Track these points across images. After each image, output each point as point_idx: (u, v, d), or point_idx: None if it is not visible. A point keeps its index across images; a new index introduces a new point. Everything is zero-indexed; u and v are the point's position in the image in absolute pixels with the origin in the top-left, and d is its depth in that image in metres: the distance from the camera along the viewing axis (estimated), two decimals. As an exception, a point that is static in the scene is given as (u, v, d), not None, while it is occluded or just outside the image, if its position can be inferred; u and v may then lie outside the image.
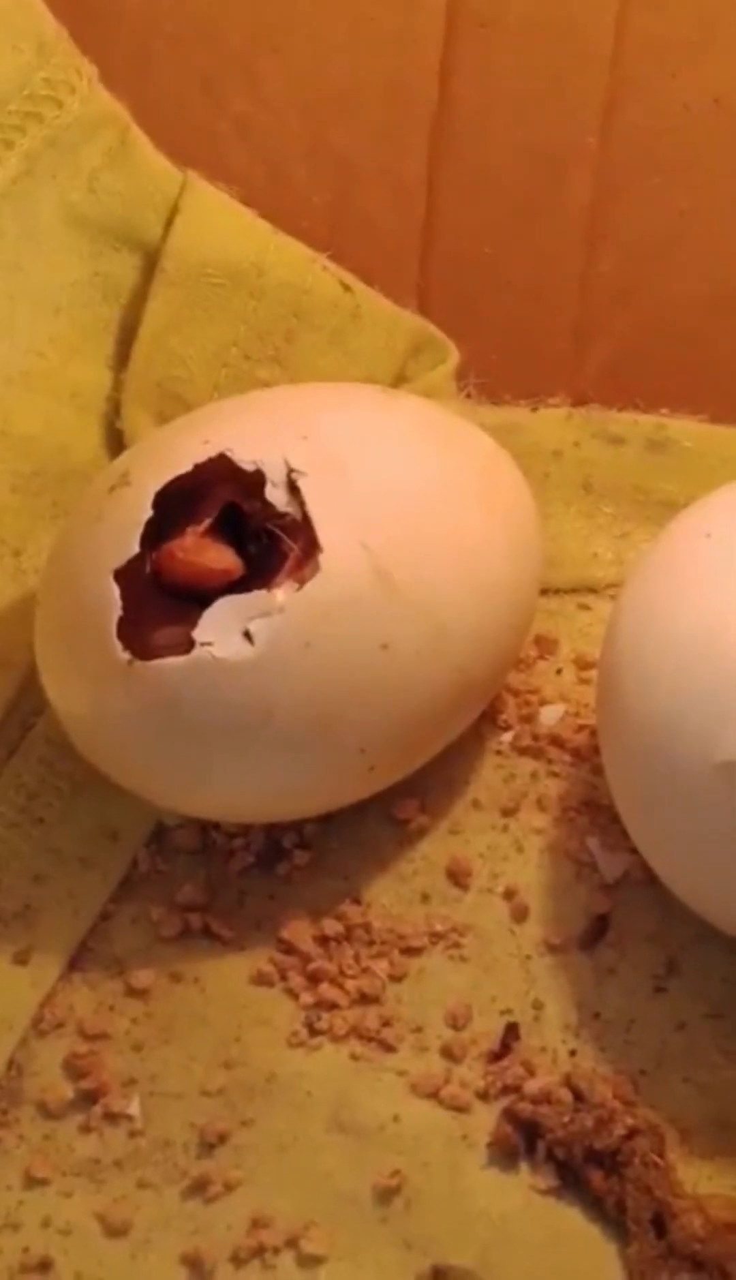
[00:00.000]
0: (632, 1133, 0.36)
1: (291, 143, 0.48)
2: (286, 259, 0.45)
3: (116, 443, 0.45)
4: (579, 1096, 0.37)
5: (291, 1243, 0.37)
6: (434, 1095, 0.38)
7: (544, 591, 0.43)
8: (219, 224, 0.45)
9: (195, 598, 0.38)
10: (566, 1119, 0.37)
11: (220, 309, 0.45)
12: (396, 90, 0.47)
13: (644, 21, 0.46)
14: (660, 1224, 0.35)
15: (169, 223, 0.45)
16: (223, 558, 0.38)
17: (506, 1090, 0.38)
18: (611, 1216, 0.36)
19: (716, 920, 0.39)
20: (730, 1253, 0.35)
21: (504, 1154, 0.37)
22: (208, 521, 0.39)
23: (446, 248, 0.48)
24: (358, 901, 0.41)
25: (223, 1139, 0.38)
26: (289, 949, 0.40)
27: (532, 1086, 0.38)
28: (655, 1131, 0.37)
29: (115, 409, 0.45)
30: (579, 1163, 0.37)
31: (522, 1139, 0.37)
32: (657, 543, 0.40)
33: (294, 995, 0.40)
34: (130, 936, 0.40)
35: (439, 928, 0.40)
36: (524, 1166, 0.37)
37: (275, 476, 0.38)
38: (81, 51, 0.44)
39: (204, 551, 0.38)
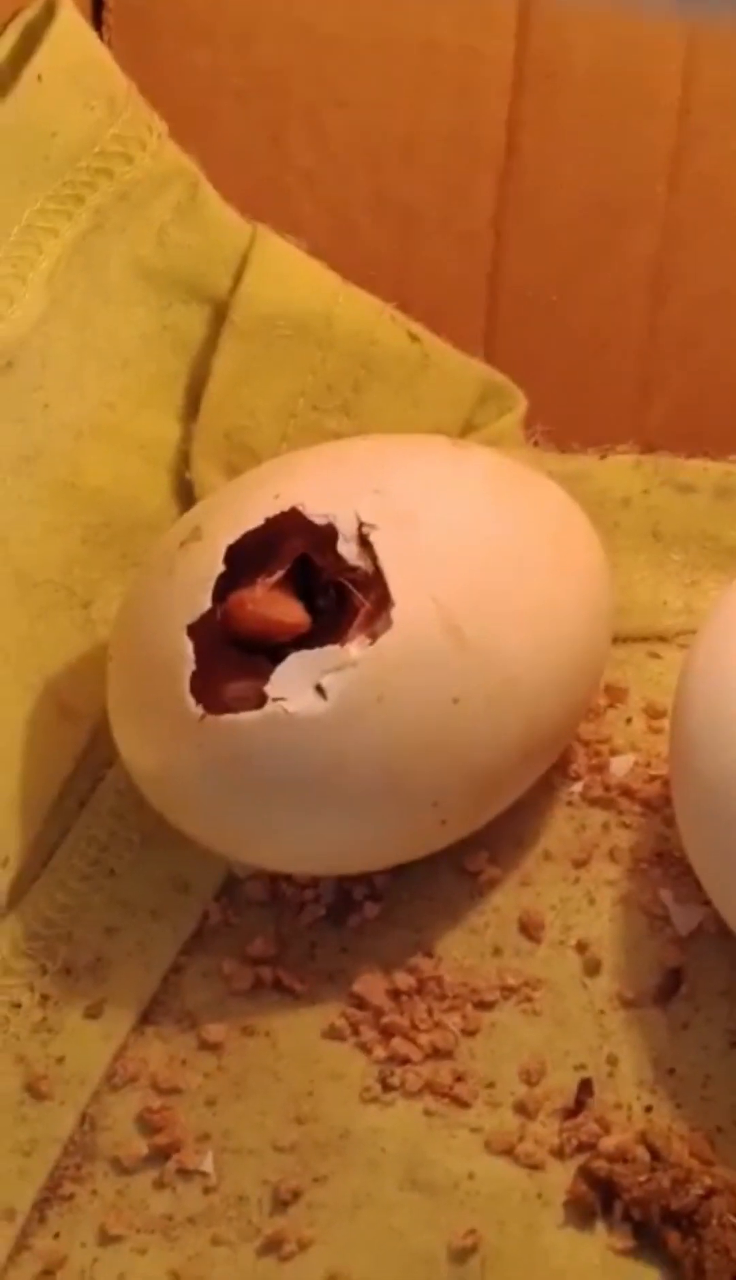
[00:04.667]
0: (710, 1193, 0.36)
1: (357, 194, 0.48)
2: (354, 310, 0.46)
3: (185, 494, 0.45)
4: (655, 1155, 0.37)
5: (367, 1302, 0.37)
6: (509, 1152, 0.38)
7: (613, 640, 0.43)
8: (287, 276, 0.45)
9: (266, 651, 0.38)
10: (643, 1178, 0.37)
11: (289, 360, 0.45)
12: (462, 141, 0.48)
13: (711, 71, 0.46)
14: (740, 1287, 0.35)
15: (238, 275, 0.45)
16: (291, 611, 0.38)
17: (581, 1148, 0.38)
18: (689, 1278, 0.36)
19: (793, 976, 0.38)
20: None
21: (580, 1213, 0.37)
22: (279, 573, 0.39)
23: (513, 296, 0.49)
24: (429, 954, 0.41)
25: (296, 1196, 0.38)
26: (361, 1003, 0.40)
27: (608, 1144, 0.37)
28: (732, 1191, 0.36)
29: (184, 460, 0.45)
30: (656, 1223, 0.36)
31: (599, 1198, 0.37)
32: (729, 591, 0.40)
33: (366, 1050, 0.39)
34: (202, 989, 0.40)
35: (511, 981, 0.40)
36: (600, 1226, 0.37)
37: (346, 530, 0.38)
38: (150, 106, 0.45)
39: (273, 604, 0.39)
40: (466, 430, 0.46)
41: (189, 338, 0.45)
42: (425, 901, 0.41)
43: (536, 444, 0.47)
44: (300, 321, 0.45)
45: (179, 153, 0.45)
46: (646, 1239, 0.37)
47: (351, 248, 0.47)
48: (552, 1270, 0.36)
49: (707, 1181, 0.36)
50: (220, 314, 0.45)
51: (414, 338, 0.46)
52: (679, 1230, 0.36)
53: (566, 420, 0.47)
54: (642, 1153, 0.37)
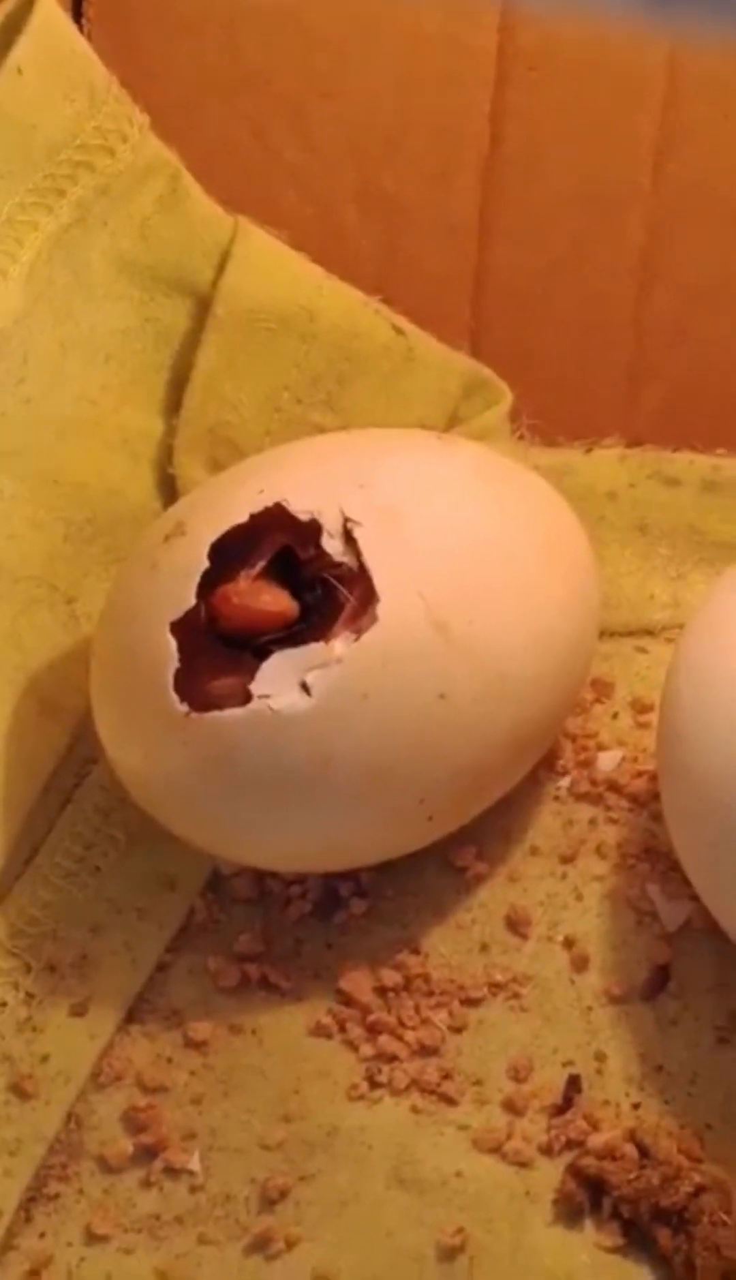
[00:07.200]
0: (699, 1190, 0.36)
1: (342, 187, 0.48)
2: (338, 303, 0.45)
3: (168, 489, 0.45)
4: (644, 1152, 0.37)
5: (355, 1301, 0.36)
6: (496, 1150, 0.38)
7: (599, 634, 0.43)
8: (270, 269, 0.45)
9: (250, 647, 0.38)
10: (632, 1175, 0.36)
11: (272, 353, 0.45)
12: (447, 133, 0.47)
13: (696, 62, 0.46)
14: (729, 1284, 0.35)
15: (220, 268, 0.45)
16: (278, 600, 0.38)
17: (570, 1145, 0.38)
18: (679, 1275, 0.36)
19: (781, 971, 0.38)
20: (801, 1313, 0.34)
21: (569, 1211, 0.37)
22: (260, 565, 0.39)
23: (498, 289, 0.48)
24: (416, 951, 0.40)
25: (283, 1194, 0.38)
26: (348, 1000, 0.40)
27: (597, 1141, 0.37)
28: (722, 1189, 0.36)
29: (167, 455, 0.45)
30: (645, 1220, 0.36)
31: (588, 1195, 0.37)
32: (718, 586, 0.40)
33: (353, 1047, 0.39)
34: (188, 987, 0.40)
35: (499, 978, 0.40)
36: (589, 1223, 0.37)
37: (331, 526, 0.38)
38: (132, 99, 0.44)
39: (258, 595, 0.38)
40: (452, 424, 0.46)
41: (171, 331, 0.45)
42: (412, 898, 0.41)
43: (522, 438, 0.47)
44: (283, 315, 0.45)
45: (160, 145, 0.45)
46: (635, 1237, 0.36)
47: (336, 241, 0.47)
48: (541, 1268, 0.36)
49: (697, 1179, 0.36)
50: (203, 307, 0.45)
51: (398, 331, 0.46)
52: (669, 1228, 0.36)
53: (553, 414, 0.46)
54: (631, 1150, 0.37)
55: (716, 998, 0.39)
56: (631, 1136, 0.37)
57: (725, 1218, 0.36)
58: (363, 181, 0.48)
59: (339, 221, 0.48)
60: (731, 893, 0.38)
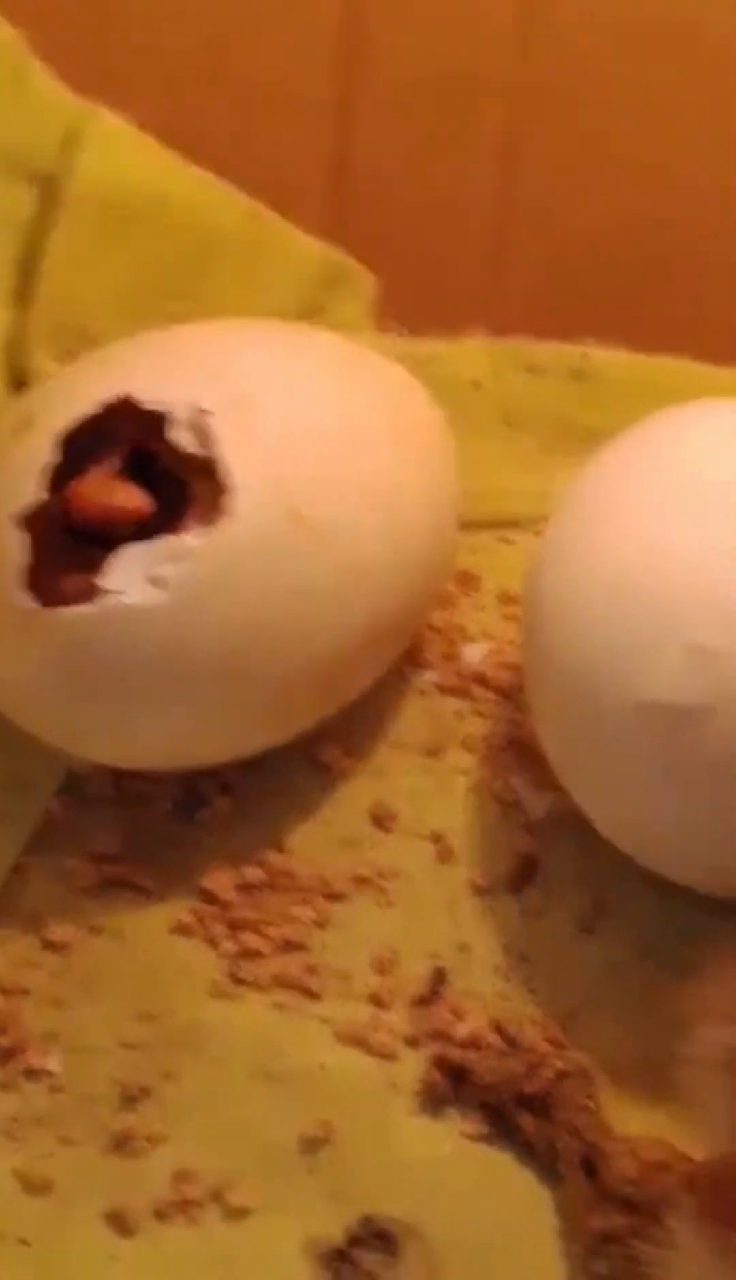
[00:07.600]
0: (562, 1076, 0.36)
1: (191, 67, 0.46)
2: (193, 189, 0.44)
3: (18, 381, 0.44)
4: (508, 1040, 0.37)
5: (217, 1196, 0.36)
6: (361, 1043, 0.38)
7: (465, 526, 0.42)
8: (122, 154, 0.44)
9: (103, 542, 0.37)
10: (495, 1064, 0.36)
11: (125, 241, 0.44)
12: (300, 9, 0.46)
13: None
14: (591, 1167, 0.35)
15: (69, 153, 0.44)
16: (132, 497, 0.37)
17: (435, 1035, 0.37)
18: (543, 1161, 0.36)
19: (644, 859, 0.38)
20: (661, 1194, 0.34)
21: (433, 1101, 0.37)
22: (115, 460, 0.38)
23: (358, 174, 0.47)
24: (280, 848, 0.40)
25: (145, 1093, 0.37)
26: (210, 898, 0.39)
27: (461, 1031, 0.37)
28: (585, 1074, 0.36)
29: (17, 347, 0.44)
30: (509, 1108, 0.36)
31: (451, 1085, 0.37)
32: (582, 476, 0.39)
33: (215, 945, 0.39)
34: (46, 889, 0.39)
35: (363, 872, 0.40)
36: (453, 1113, 0.37)
37: (183, 417, 0.37)
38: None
39: (113, 492, 0.37)
40: (312, 313, 0.45)
41: (17, 218, 0.44)
42: (276, 794, 0.41)
43: (385, 329, 0.46)
44: (137, 201, 0.44)
45: (4, 24, 0.43)
46: (499, 1124, 0.36)
47: (187, 124, 0.46)
48: (406, 1158, 0.36)
49: (559, 1065, 0.36)
50: (51, 194, 0.44)
51: (256, 218, 0.45)
52: (532, 1114, 0.36)
53: (416, 303, 0.46)
54: (495, 1039, 0.37)
55: (580, 887, 0.39)
56: (496, 1026, 0.37)
57: (587, 1102, 0.36)
58: (213, 61, 0.46)
59: (190, 104, 0.47)
60: (593, 782, 0.38)
